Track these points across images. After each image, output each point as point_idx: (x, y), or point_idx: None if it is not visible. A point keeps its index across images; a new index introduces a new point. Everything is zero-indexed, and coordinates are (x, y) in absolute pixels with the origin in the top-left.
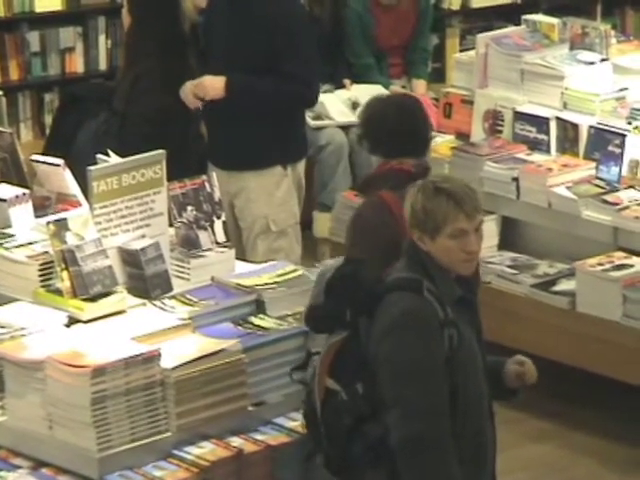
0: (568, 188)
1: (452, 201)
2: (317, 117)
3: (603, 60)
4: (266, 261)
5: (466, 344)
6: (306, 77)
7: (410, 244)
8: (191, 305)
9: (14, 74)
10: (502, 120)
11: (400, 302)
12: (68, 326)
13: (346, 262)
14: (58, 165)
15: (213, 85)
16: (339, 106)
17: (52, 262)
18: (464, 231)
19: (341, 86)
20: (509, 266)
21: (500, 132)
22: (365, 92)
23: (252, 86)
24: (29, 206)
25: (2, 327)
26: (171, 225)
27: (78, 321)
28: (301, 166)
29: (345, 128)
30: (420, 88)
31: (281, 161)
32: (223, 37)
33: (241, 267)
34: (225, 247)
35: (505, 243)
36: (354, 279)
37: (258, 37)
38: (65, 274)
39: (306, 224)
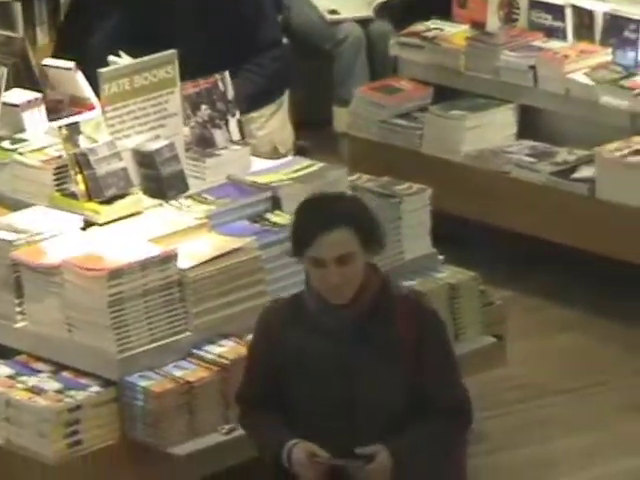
0: (585, 74)
1: None
2: (333, 11)
3: None
4: None
5: None
6: (277, 37)
7: None
8: (207, 204)
9: None
10: (517, 8)
11: None
12: (84, 229)
13: None
14: (70, 69)
15: None
16: (355, 1)
17: (66, 166)
18: None
19: None
20: (528, 154)
21: (516, 20)
22: None
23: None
24: (42, 110)
25: (19, 232)
26: (185, 125)
27: (94, 224)
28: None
29: (362, 22)
30: None
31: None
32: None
33: (257, 164)
34: (240, 145)
35: (523, 132)
36: None
37: (226, 12)
38: (79, 177)
39: (327, 120)
